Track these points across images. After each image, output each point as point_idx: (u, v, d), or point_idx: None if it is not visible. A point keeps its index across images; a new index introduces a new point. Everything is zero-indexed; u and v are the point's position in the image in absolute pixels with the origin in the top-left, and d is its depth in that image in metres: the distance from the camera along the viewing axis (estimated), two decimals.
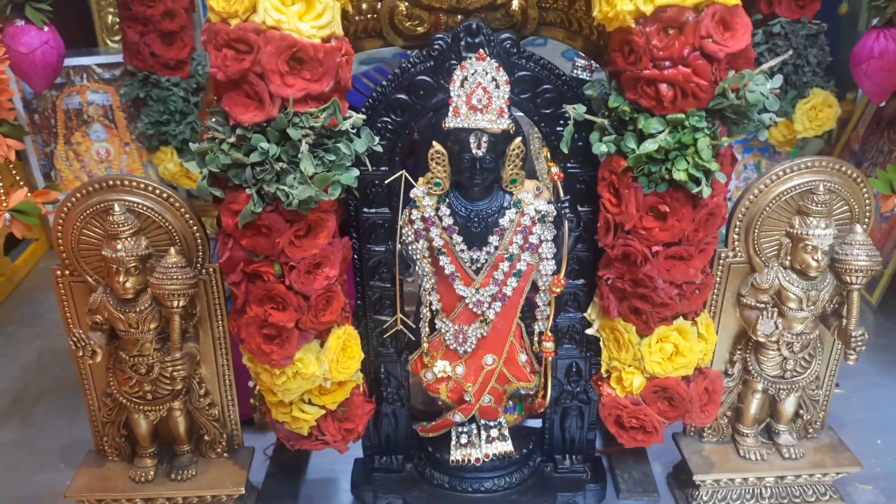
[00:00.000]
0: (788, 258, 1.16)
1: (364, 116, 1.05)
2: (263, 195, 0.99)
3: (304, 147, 0.96)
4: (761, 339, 1.19)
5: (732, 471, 1.27)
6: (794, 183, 1.14)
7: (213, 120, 1.00)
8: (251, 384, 1.18)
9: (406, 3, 1.07)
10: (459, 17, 1.06)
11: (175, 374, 1.14)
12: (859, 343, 1.15)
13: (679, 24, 0.92)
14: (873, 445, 1.46)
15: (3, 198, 1.30)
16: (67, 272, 1.15)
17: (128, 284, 1.11)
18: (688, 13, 0.92)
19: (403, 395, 1.29)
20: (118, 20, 2.15)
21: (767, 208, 1.15)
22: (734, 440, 1.31)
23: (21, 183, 1.42)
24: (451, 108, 1.05)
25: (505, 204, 1.12)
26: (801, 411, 1.30)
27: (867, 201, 1.16)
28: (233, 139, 0.97)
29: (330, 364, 1.10)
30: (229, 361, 1.23)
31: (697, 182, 0.97)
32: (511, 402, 1.32)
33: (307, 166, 0.96)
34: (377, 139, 1.05)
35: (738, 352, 1.25)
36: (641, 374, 1.12)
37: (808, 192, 1.13)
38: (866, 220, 1.17)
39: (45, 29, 1.55)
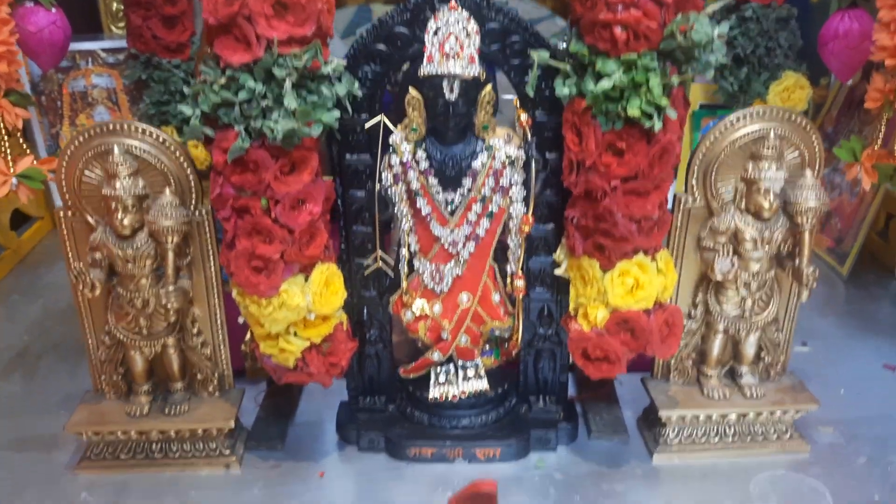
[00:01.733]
0: (744, 201, 1.24)
1: (345, 62, 1.14)
2: (251, 132, 1.08)
3: (287, 85, 1.05)
4: (719, 279, 1.27)
5: (696, 408, 1.33)
6: (747, 130, 1.22)
7: (205, 65, 1.09)
8: (241, 320, 1.26)
9: None
10: None
11: (168, 305, 1.22)
12: (811, 280, 1.22)
13: None
14: (836, 394, 1.52)
15: (11, 164, 1.39)
16: (70, 213, 1.23)
17: (125, 222, 1.19)
18: None
19: (385, 338, 1.37)
20: (122, 7, 2.25)
21: (722, 154, 1.23)
22: (699, 382, 1.38)
23: (28, 150, 1.51)
24: (425, 56, 1.13)
25: (478, 149, 1.21)
26: (762, 354, 1.37)
27: (816, 147, 1.24)
28: (223, 80, 1.07)
29: (314, 297, 1.18)
30: (220, 301, 1.31)
31: (650, 118, 1.05)
32: (488, 346, 1.40)
33: (290, 101, 1.05)
34: (357, 84, 1.14)
35: (700, 294, 1.32)
36: (605, 308, 1.19)
37: (760, 138, 1.21)
38: (816, 165, 1.25)
39: (53, 10, 1.65)
